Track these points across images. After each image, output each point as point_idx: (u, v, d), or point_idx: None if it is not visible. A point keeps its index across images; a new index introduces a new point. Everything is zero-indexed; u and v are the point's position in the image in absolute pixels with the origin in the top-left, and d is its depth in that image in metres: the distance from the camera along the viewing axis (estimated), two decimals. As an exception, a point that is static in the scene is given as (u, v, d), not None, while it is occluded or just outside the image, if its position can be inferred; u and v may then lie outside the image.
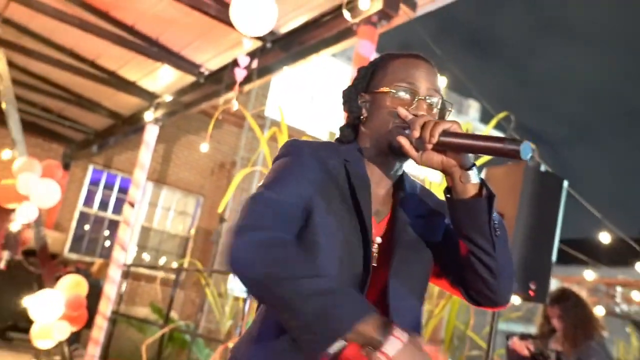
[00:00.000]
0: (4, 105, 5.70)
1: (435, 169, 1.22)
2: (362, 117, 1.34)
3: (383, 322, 1.04)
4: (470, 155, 1.19)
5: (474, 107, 15.62)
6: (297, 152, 1.28)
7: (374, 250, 1.27)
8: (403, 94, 1.29)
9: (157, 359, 6.50)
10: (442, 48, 5.49)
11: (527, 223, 3.10)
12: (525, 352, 3.52)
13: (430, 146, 1.17)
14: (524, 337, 3.60)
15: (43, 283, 5.70)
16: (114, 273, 7.04)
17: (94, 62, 7.05)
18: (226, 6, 5.08)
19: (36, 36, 6.65)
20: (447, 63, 5.78)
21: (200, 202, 11.62)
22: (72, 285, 5.56)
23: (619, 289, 11.46)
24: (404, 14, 4.17)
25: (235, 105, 6.69)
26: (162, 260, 11.32)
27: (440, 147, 1.18)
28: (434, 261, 1.34)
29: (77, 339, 6.47)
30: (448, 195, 1.23)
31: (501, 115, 6.19)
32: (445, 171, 1.21)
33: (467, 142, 1.16)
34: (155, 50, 6.23)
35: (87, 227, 10.75)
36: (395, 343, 1.01)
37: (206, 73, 6.40)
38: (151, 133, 7.47)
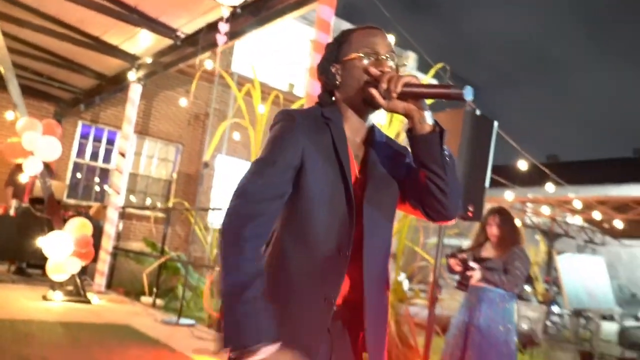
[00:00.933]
0: (2, 71, 5.52)
1: (400, 113, 1.32)
2: (337, 82, 1.42)
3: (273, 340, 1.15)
4: (425, 100, 1.29)
5: (412, 58, 15.68)
6: (288, 123, 1.35)
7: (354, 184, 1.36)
8: (368, 57, 1.37)
9: (155, 285, 6.63)
10: (384, 6, 5.56)
11: (466, 158, 3.27)
12: (457, 269, 3.73)
13: (395, 95, 1.27)
14: (454, 255, 3.78)
15: (53, 226, 5.70)
16: (112, 214, 7.07)
17: (79, 29, 6.82)
18: (200, -23, 5.03)
19: (25, 7, 6.38)
20: (390, 19, 5.86)
21: (179, 150, 11.53)
22: (79, 227, 5.59)
23: (529, 205, 11.97)
24: (357, -18, 4.19)
25: (209, 64, 6.66)
26: (148, 201, 11.32)
27: (402, 96, 1.28)
28: (399, 190, 1.44)
29: (85, 272, 6.53)
30: (410, 134, 1.33)
31: (438, 65, 6.34)
32: (407, 115, 1.31)
33: (423, 90, 1.26)
34: (135, 16, 6.09)
35: (80, 175, 10.60)
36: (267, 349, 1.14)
37: (182, 36, 6.30)
38: (135, 91, 7.36)
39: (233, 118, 11.47)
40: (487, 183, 3.44)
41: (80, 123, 10.35)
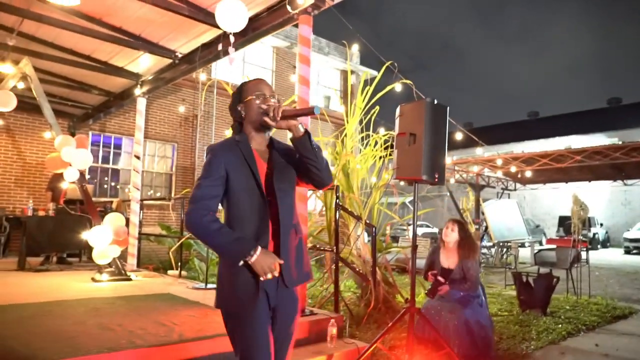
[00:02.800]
0: (37, 99, 5.38)
1: (284, 129, 1.78)
2: (242, 115, 1.88)
3: (255, 247, 1.69)
4: (317, 110, 1.72)
5: (355, 55, 15.84)
6: (212, 153, 1.80)
7: (265, 175, 1.83)
8: (259, 97, 1.85)
9: (180, 259, 6.72)
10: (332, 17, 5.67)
11: (429, 137, 3.50)
12: (431, 279, 3.85)
13: (279, 118, 1.76)
14: (430, 268, 3.95)
15: (92, 222, 5.68)
16: (135, 207, 7.05)
17: (90, 56, 6.66)
18: (195, 7, 5.03)
19: (43, 42, 6.18)
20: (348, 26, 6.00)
21: (175, 148, 11.43)
22: (114, 220, 5.60)
23: (457, 167, 12.49)
24: (328, 3, 4.31)
25: (203, 77, 6.62)
26: (146, 193, 11.22)
27: (283, 118, 1.76)
28: (296, 173, 1.90)
29: (120, 255, 6.53)
30: (292, 140, 1.80)
31: (388, 63, 6.53)
32: (289, 128, 1.77)
33: (293, 112, 1.76)
34: (139, 43, 6.01)
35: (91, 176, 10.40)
36: (256, 253, 1.68)
37: (180, 56, 6.27)
38: (142, 104, 7.26)
39: (218, 117, 11.43)
40: (445, 155, 3.71)
41: (90, 133, 10.11)
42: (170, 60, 6.37)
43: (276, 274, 1.71)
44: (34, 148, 9.19)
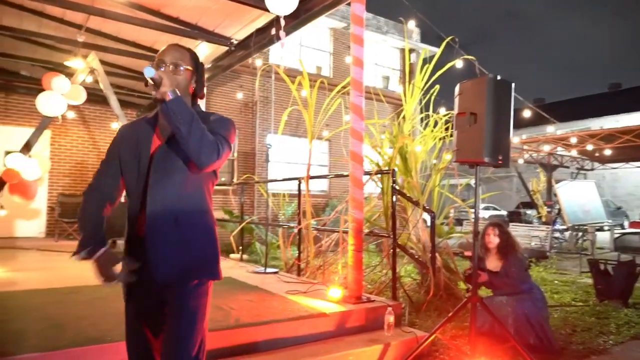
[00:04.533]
0: (105, 91, 5.67)
1: (161, 98, 1.51)
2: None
3: (92, 248, 1.60)
4: (167, 85, 1.51)
5: (415, 32, 15.27)
6: (116, 135, 1.75)
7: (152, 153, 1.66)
8: (159, 65, 1.64)
9: (241, 243, 6.89)
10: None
11: (492, 116, 3.26)
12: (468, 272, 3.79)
13: (152, 87, 1.53)
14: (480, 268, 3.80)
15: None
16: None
17: (151, 48, 6.91)
18: (249, -8, 5.01)
19: (108, 36, 6.48)
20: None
21: (236, 134, 11.68)
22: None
23: (526, 147, 11.81)
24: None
25: (259, 62, 6.68)
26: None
27: (155, 88, 1.52)
28: None
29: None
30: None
31: (448, 39, 6.19)
32: (163, 98, 1.52)
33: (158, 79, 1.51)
34: (196, 32, 6.13)
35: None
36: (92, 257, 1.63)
37: (235, 42, 6.33)
38: (201, 92, 7.45)
39: (277, 102, 11.51)
40: (511, 135, 3.45)
41: (156, 122, 10.59)
42: (227, 48, 6.45)
43: (127, 278, 1.59)
44: (107, 138, 9.78)
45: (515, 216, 15.36)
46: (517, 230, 9.46)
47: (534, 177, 13.74)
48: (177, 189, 1.61)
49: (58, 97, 5.08)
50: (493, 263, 3.88)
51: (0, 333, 2.73)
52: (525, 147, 11.61)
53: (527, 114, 7.89)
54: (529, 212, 15.02)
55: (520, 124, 14.07)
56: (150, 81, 1.50)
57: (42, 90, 5.14)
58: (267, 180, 9.15)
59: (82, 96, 5.66)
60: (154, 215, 1.58)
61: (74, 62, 5.75)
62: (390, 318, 3.56)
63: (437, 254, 4.73)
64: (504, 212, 18.76)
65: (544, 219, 12.12)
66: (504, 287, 3.74)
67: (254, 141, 11.73)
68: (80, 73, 5.61)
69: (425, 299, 4.61)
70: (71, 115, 8.55)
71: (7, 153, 5.06)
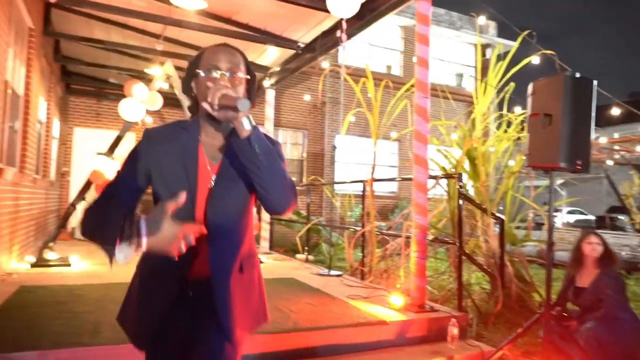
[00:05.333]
0: (179, 97, 6.00)
1: (227, 121, 1.23)
2: (194, 95, 1.36)
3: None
4: (244, 106, 1.18)
5: (491, 26, 14.52)
6: (140, 141, 1.34)
7: (211, 183, 1.31)
8: (210, 73, 1.29)
9: (306, 244, 6.96)
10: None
11: (570, 117, 3.01)
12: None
13: (215, 106, 1.21)
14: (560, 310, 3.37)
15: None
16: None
17: (224, 53, 7.19)
18: (313, -4, 5.04)
19: (184, 44, 6.85)
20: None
21: (305, 135, 11.85)
22: (246, 206, 5.99)
23: (616, 147, 10.79)
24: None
25: (326, 64, 6.71)
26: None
27: (221, 107, 1.20)
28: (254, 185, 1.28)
29: (256, 240, 7.03)
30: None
31: (525, 32, 5.80)
32: (231, 122, 1.22)
33: (226, 103, 1.19)
34: (265, 36, 6.28)
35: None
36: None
37: (302, 46, 6.41)
38: (270, 95, 7.64)
39: (345, 103, 11.51)
40: (591, 137, 3.15)
41: (230, 124, 11.03)
42: (294, 51, 6.55)
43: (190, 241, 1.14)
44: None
45: (605, 222, 14.08)
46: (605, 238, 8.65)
47: (626, 180, 12.52)
48: (242, 235, 1.35)
49: (137, 103, 5.45)
50: (585, 277, 3.42)
51: (79, 323, 2.96)
52: (615, 147, 10.60)
53: (617, 111, 7.18)
54: (620, 217, 13.71)
55: (611, 122, 12.85)
56: (220, 99, 1.20)
57: (125, 96, 5.53)
58: (331, 183, 9.17)
59: (158, 102, 6.03)
60: (220, 269, 1.31)
61: (153, 70, 6.13)
62: (454, 330, 3.40)
63: (508, 263, 4.45)
64: (591, 217, 17.27)
65: (637, 226, 10.99)
66: (592, 306, 3.28)
67: (323, 142, 11.83)
68: (158, 80, 5.97)
69: (494, 310, 4.36)
70: (149, 120, 9.14)
71: (99, 155, 5.51)
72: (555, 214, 3.66)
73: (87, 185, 5.39)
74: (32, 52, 5.54)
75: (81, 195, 5.46)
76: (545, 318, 3.02)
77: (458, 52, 14.18)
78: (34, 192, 6.09)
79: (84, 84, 9.38)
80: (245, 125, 1.20)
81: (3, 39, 4.07)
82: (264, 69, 7.45)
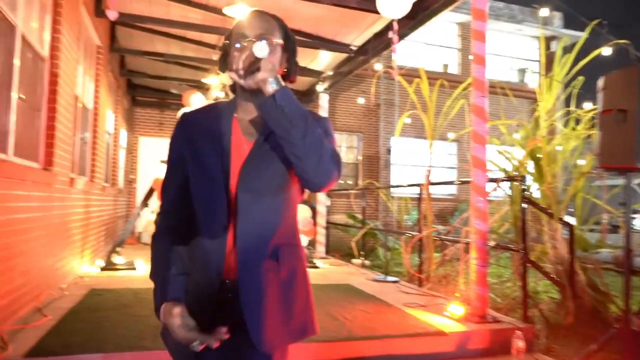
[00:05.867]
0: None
1: (257, 88, 1.10)
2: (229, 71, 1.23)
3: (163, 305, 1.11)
4: (261, 51, 1.07)
5: (557, 17, 13.71)
6: (176, 127, 1.25)
7: (241, 163, 1.18)
8: (238, 42, 1.16)
9: (362, 248, 6.88)
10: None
11: (648, 112, 2.74)
12: None
13: (240, 72, 1.11)
14: None
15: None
16: (322, 197, 7.49)
17: (277, 60, 7.30)
18: (364, -2, 4.99)
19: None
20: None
21: (360, 138, 11.77)
22: (301, 212, 6.03)
23: None
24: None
25: (379, 66, 6.61)
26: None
27: (247, 72, 1.10)
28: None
29: (311, 244, 7.06)
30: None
31: (594, 22, 5.40)
32: (261, 88, 1.09)
33: (250, 66, 1.09)
34: (317, 41, 6.30)
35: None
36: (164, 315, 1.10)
37: (354, 49, 6.36)
38: (324, 99, 7.65)
39: (400, 104, 11.32)
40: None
41: (285, 130, 11.18)
42: (346, 54, 6.52)
43: (212, 343, 1.03)
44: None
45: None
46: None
47: None
48: (276, 217, 1.18)
49: (196, 112, 5.67)
50: None
51: (142, 327, 3.08)
52: None
53: None
54: None
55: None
56: (244, 62, 1.10)
57: (184, 106, 5.75)
58: (387, 186, 9.02)
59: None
60: (248, 255, 1.14)
61: (209, 79, 6.33)
62: (519, 343, 3.19)
63: (580, 271, 4.13)
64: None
65: None
66: None
67: (378, 145, 11.69)
68: (214, 89, 6.16)
69: (564, 321, 4.05)
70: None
71: (161, 162, 5.77)
72: (633, 215, 3.34)
73: (150, 193, 5.65)
74: (100, 67, 5.90)
75: (144, 202, 5.73)
76: (623, 333, 2.76)
77: (519, 46, 13.50)
78: (103, 199, 6.47)
79: (148, 95, 9.89)
80: (272, 83, 1.07)
81: (73, 57, 4.36)
82: (317, 73, 7.48)
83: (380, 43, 5.69)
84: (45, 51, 3.71)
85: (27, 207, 3.15)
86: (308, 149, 1.07)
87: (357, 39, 6.16)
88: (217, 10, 5.54)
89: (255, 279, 1.14)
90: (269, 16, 1.22)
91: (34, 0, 3.47)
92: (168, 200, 1.25)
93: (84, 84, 5.29)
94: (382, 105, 11.60)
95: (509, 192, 4.90)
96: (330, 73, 7.25)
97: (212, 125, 1.21)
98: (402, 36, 5.28)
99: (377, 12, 4.90)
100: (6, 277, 2.84)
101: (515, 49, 13.40)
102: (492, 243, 4.10)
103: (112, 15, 4.05)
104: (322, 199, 7.45)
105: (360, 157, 11.73)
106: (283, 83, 1.09)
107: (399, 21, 4.98)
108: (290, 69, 1.25)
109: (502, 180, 4.30)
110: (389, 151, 10.07)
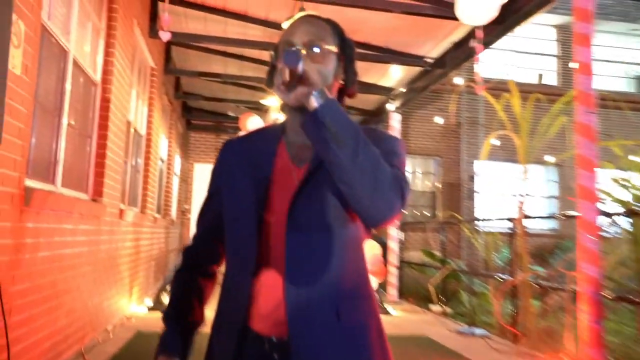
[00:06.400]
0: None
1: (300, 104, 1.02)
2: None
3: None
4: (291, 59, 0.98)
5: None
6: (218, 153, 1.23)
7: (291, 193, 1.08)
8: (285, 51, 1.06)
9: (441, 293, 6.59)
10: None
11: None
12: None
13: (281, 87, 1.03)
14: None
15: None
16: (393, 232, 7.33)
17: (342, 77, 7.38)
18: (438, 3, 4.93)
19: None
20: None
21: (438, 162, 11.51)
22: (370, 249, 5.91)
23: None
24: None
25: (459, 80, 6.47)
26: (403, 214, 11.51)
27: (290, 85, 1.01)
28: None
29: (382, 287, 6.89)
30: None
31: None
32: (304, 103, 1.01)
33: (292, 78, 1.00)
34: (387, 55, 6.30)
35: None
36: None
37: (430, 61, 6.27)
38: (395, 119, 7.59)
39: (485, 123, 10.97)
40: None
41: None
42: (421, 68, 6.45)
43: None
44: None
45: None
46: None
47: None
48: (337, 261, 1.07)
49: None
50: None
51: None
52: None
53: None
54: None
55: None
56: (284, 75, 1.02)
57: (240, 130, 5.93)
58: (471, 219, 8.67)
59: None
60: (300, 310, 1.04)
61: (268, 100, 6.51)
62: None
63: None
64: None
65: None
66: None
67: (459, 170, 11.35)
68: (273, 111, 6.31)
69: None
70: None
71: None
72: None
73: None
74: (154, 90, 6.27)
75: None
76: None
77: (635, 50, 12.69)
78: (154, 232, 6.76)
79: (204, 118, 10.36)
80: (315, 97, 1.00)
81: (126, 80, 4.65)
82: (388, 90, 7.45)
83: (460, 53, 5.57)
84: (97, 76, 3.99)
85: (74, 241, 3.33)
86: (360, 173, 0.97)
87: (433, 50, 6.08)
88: (277, 26, 5.72)
89: (309, 342, 1.03)
90: (320, 19, 1.17)
91: (87, 24, 3.75)
92: (197, 236, 1.26)
93: (137, 108, 5.63)
94: (463, 125, 11.30)
95: (628, 228, 4.50)
96: (403, 90, 7.20)
97: (254, 151, 1.17)
98: (487, 44, 5.12)
99: (456, 19, 4.81)
100: (51, 317, 2.98)
101: (629, 53, 12.60)
102: (607, 293, 3.74)
103: (165, 36, 4.30)
104: (394, 234, 7.29)
105: (438, 185, 11.44)
106: (330, 95, 1.02)
107: (483, 28, 4.84)
108: (348, 81, 1.20)
109: (619, 215, 3.96)
110: (472, 178, 9.75)
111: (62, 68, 3.25)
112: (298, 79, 1.01)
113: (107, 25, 4.11)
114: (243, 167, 1.16)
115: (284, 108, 1.19)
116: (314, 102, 1.00)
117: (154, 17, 5.67)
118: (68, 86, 3.31)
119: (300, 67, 1.00)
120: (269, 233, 1.07)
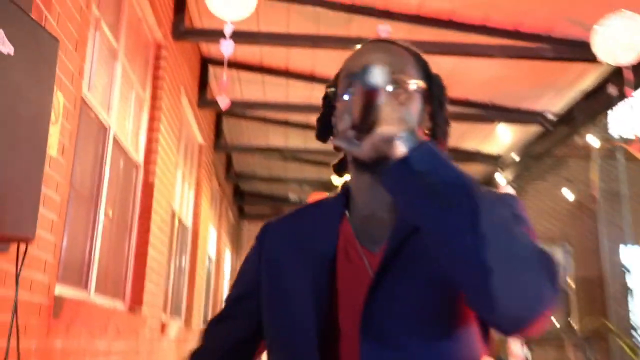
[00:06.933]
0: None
1: (378, 155, 0.89)
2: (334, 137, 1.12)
3: None
4: (394, 120, 0.88)
5: None
6: (254, 244, 1.18)
7: (368, 288, 0.97)
8: (348, 91, 1.00)
9: None
10: None
11: None
12: None
13: (348, 134, 0.91)
14: None
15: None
16: (516, 347, 6.98)
17: (435, 144, 7.43)
18: (564, 42, 4.90)
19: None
20: None
21: (567, 250, 11.03)
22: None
23: None
24: None
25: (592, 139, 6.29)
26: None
27: (362, 130, 0.88)
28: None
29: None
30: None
31: None
32: (384, 153, 0.88)
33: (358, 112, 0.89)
34: (491, 112, 6.30)
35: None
36: None
37: (551, 118, 6.19)
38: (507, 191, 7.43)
39: (632, 196, 10.52)
40: None
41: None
42: (538, 126, 6.37)
43: None
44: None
45: None
46: None
47: None
48: None
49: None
50: None
51: None
52: None
53: None
54: None
55: None
56: (354, 113, 0.91)
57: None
58: (629, 328, 8.10)
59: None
60: None
61: (339, 178, 6.57)
62: None
63: None
64: None
65: None
66: None
67: (599, 260, 10.80)
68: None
69: None
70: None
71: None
72: None
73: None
74: (202, 172, 6.53)
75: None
76: None
77: None
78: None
79: (259, 204, 10.61)
80: (402, 140, 0.87)
81: (172, 161, 4.87)
82: (494, 158, 7.38)
83: (594, 105, 5.47)
84: (139, 156, 4.20)
85: (108, 364, 3.35)
86: (486, 248, 0.81)
87: (554, 103, 6.02)
88: (349, 84, 5.90)
89: None
90: (400, 46, 1.08)
91: (129, 95, 4.01)
92: (210, 335, 1.21)
93: (182, 194, 5.84)
94: (601, 200, 10.89)
95: None
96: (515, 157, 7.10)
97: (307, 234, 1.10)
98: (636, 88, 4.98)
99: (591, 60, 4.72)
100: None
101: None
102: None
103: (223, 102, 4.32)
104: (517, 350, 6.89)
105: (570, 282, 10.89)
106: (419, 137, 0.89)
107: (633, 67, 4.69)
108: (438, 130, 1.09)
109: None
110: (623, 270, 9.16)
111: (101, 147, 3.44)
112: (375, 119, 0.89)
113: (152, 95, 4.37)
114: (293, 257, 1.09)
115: (346, 167, 1.12)
116: (402, 147, 0.87)
117: (203, 84, 6.02)
118: (107, 169, 3.48)
119: (382, 98, 0.88)
120: (336, 348, 0.99)
